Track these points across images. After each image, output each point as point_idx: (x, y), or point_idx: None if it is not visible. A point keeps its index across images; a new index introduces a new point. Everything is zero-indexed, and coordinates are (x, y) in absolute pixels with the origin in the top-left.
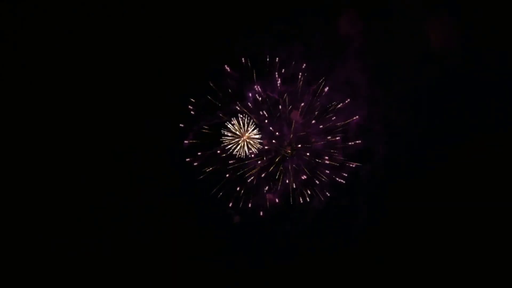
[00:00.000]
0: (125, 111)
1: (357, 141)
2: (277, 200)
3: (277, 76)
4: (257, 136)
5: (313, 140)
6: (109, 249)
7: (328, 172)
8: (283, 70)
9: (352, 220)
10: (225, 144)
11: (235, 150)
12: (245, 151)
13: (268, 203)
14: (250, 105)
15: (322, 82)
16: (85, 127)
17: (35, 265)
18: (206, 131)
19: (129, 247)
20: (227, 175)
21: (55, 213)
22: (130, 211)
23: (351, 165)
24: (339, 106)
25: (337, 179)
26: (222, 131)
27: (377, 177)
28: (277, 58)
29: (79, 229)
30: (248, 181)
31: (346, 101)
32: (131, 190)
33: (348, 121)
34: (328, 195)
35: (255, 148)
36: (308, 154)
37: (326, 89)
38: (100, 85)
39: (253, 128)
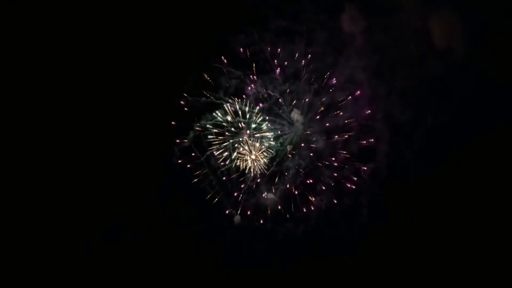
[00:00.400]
0: (120, 109)
1: (370, 140)
2: (279, 207)
3: (278, 74)
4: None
5: (314, 139)
6: (107, 252)
7: (335, 175)
8: (285, 64)
9: (353, 220)
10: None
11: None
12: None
13: (269, 209)
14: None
15: (324, 80)
16: (77, 127)
17: (32, 266)
18: (200, 129)
19: (126, 250)
20: (224, 178)
21: (47, 215)
22: (124, 213)
23: (363, 167)
24: (344, 102)
25: (348, 184)
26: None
27: (380, 176)
28: (279, 49)
29: (74, 231)
30: (242, 186)
31: (357, 93)
32: (124, 191)
33: (360, 115)
34: (335, 201)
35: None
36: (311, 154)
37: (333, 82)
38: (93, 84)
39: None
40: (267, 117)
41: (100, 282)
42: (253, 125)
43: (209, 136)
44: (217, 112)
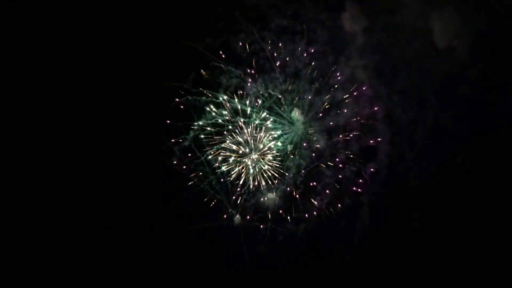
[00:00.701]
0: (120, 110)
1: (372, 139)
2: (280, 211)
3: (278, 73)
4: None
5: (315, 139)
6: (108, 252)
7: (340, 177)
8: (286, 63)
9: (354, 220)
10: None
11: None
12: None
13: (269, 210)
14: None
15: (325, 79)
16: (76, 127)
17: (32, 266)
18: (200, 128)
19: (126, 250)
20: (222, 180)
21: (47, 215)
22: (124, 213)
23: (371, 169)
24: (346, 101)
25: (354, 188)
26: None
27: (380, 176)
28: (280, 44)
29: (74, 231)
30: (238, 189)
31: (360, 90)
32: (124, 191)
33: (362, 114)
34: (336, 202)
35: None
36: (313, 155)
37: (334, 81)
38: (93, 84)
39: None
40: (267, 115)
41: (100, 282)
42: (256, 121)
43: (201, 136)
44: (211, 106)
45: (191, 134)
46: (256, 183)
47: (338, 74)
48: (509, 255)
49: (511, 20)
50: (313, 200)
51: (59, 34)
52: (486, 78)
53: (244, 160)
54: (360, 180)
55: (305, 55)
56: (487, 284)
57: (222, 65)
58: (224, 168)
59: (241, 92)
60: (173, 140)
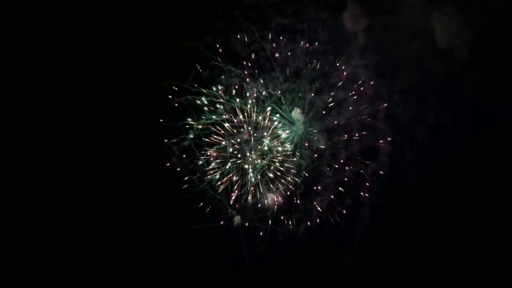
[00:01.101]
0: (120, 110)
1: (372, 139)
2: (282, 217)
3: (278, 72)
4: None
5: (316, 139)
6: (108, 251)
7: (345, 179)
8: (286, 63)
9: (354, 220)
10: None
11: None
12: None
13: (269, 210)
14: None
15: (326, 78)
16: (77, 128)
17: (32, 266)
18: (194, 128)
19: (126, 250)
20: (219, 183)
21: (47, 215)
22: (124, 213)
23: (380, 172)
24: (346, 101)
25: (361, 193)
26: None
27: (381, 176)
28: (282, 38)
29: (74, 231)
30: (234, 192)
31: (364, 87)
32: (124, 191)
33: (370, 112)
34: (336, 202)
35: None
36: (315, 156)
37: (335, 81)
38: (94, 85)
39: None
40: (268, 113)
41: (100, 282)
42: (259, 117)
43: (192, 136)
44: (205, 103)
45: (191, 134)
46: (253, 187)
47: (338, 73)
48: (509, 255)
49: (511, 20)
50: (313, 201)
51: (59, 34)
52: (486, 78)
53: (239, 162)
54: (365, 183)
55: (306, 49)
56: (487, 284)
57: (222, 65)
58: (217, 176)
59: (237, 87)
60: (166, 140)
